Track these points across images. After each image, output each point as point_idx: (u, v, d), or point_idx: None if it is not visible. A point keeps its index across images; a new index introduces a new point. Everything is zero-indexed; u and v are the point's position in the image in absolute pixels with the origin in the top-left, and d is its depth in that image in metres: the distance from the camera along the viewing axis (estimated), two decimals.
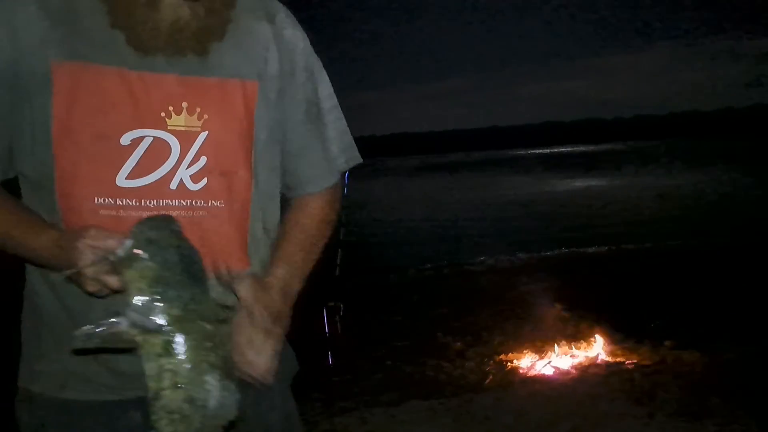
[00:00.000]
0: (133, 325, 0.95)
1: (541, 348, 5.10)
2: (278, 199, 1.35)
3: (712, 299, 6.20)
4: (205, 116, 1.19)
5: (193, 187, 1.19)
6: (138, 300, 0.94)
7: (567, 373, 4.71)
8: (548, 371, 4.76)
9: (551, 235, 12.55)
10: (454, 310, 6.62)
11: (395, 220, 17.29)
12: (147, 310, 0.95)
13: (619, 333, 5.37)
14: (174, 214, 1.16)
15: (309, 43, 1.37)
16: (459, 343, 5.48)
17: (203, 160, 1.19)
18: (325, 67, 1.43)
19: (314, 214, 1.39)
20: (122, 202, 1.15)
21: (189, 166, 1.19)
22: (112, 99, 1.13)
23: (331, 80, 1.43)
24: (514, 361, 5.00)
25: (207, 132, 1.19)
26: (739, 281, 6.76)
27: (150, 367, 0.95)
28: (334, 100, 1.42)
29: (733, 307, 5.88)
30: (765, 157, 29.65)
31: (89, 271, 1.01)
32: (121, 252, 0.96)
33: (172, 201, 1.18)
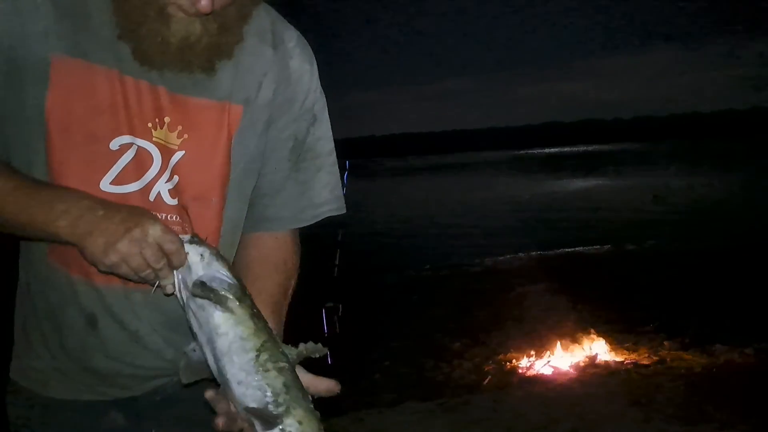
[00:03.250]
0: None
1: (539, 349, 5.11)
2: (241, 229, 1.30)
3: (712, 300, 6.21)
4: (185, 136, 1.17)
5: (170, 201, 1.18)
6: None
7: (565, 373, 4.71)
8: (546, 372, 4.77)
9: (550, 235, 12.56)
10: (453, 310, 6.62)
11: (394, 220, 17.29)
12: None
13: (618, 334, 5.39)
14: None
15: (317, 80, 1.32)
16: (457, 344, 5.48)
17: (176, 179, 1.17)
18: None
19: (289, 255, 1.34)
20: None
21: (167, 180, 1.17)
22: (108, 101, 1.11)
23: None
24: (513, 361, 5.00)
25: (184, 152, 1.17)
26: (739, 282, 6.77)
27: (247, 326, 0.99)
28: (332, 145, 1.36)
29: (732, 309, 5.89)
30: (765, 159, 29.67)
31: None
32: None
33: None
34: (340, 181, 1.37)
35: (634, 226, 13.17)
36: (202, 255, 1.00)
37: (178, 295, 1.04)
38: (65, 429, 1.25)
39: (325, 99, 1.33)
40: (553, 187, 25.83)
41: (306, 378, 1.11)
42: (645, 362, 4.79)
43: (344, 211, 1.36)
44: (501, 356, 5.13)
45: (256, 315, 1.01)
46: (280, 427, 0.97)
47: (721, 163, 31.37)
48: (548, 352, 5.02)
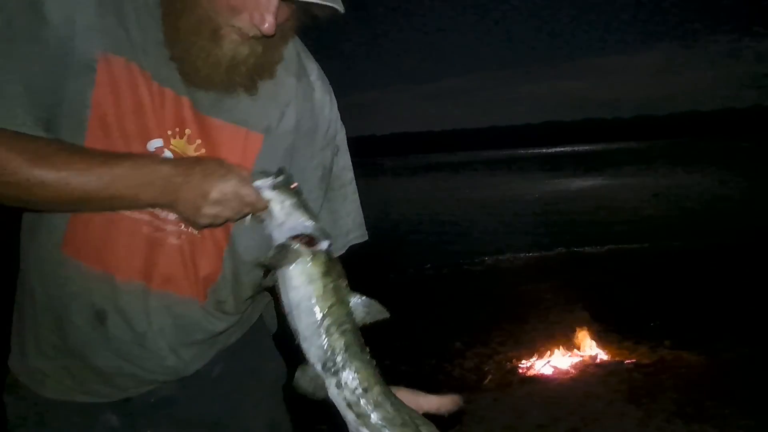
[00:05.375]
0: (306, 243, 1.07)
1: (540, 348, 5.11)
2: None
3: (711, 299, 6.20)
4: (202, 151, 1.19)
5: None
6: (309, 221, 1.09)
7: (566, 372, 4.71)
8: (547, 371, 4.76)
9: (551, 235, 12.55)
10: (454, 310, 6.62)
11: (394, 220, 17.28)
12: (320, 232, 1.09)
13: (618, 333, 5.38)
14: (171, 228, 1.18)
15: (337, 111, 1.37)
16: (457, 344, 5.48)
17: None
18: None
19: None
20: None
21: None
22: (140, 103, 1.13)
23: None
24: (513, 361, 5.00)
25: None
26: (738, 281, 6.76)
27: (317, 287, 1.07)
28: (352, 173, 1.41)
29: (732, 308, 5.88)
30: (765, 158, 29.66)
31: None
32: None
33: (173, 215, 1.18)
34: (361, 209, 1.42)
35: (634, 225, 13.16)
36: (282, 203, 1.08)
37: (265, 231, 1.11)
38: (60, 428, 1.25)
39: (344, 130, 1.38)
40: (553, 187, 25.81)
41: (429, 400, 1.18)
42: (645, 361, 4.79)
43: (367, 238, 1.42)
44: (501, 356, 5.13)
45: (327, 273, 1.08)
46: (338, 378, 1.08)
47: (721, 162, 31.34)
48: (548, 352, 5.02)
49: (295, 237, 1.07)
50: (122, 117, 1.11)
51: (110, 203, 1.10)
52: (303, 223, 1.08)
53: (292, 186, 1.11)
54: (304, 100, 1.29)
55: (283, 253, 1.06)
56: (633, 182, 25.01)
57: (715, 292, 6.43)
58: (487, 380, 4.68)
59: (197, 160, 1.11)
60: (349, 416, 1.10)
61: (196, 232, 1.20)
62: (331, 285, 1.08)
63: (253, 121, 1.22)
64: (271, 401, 1.44)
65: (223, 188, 1.07)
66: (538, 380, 4.63)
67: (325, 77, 1.36)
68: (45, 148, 1.06)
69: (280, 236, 1.08)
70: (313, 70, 1.34)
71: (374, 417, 1.08)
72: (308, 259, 1.06)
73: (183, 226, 1.20)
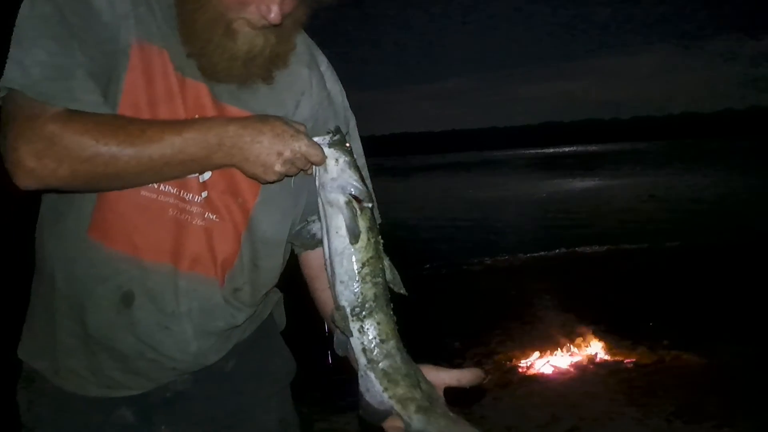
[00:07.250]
0: (356, 198, 1.16)
1: (539, 347, 5.11)
2: (283, 245, 1.34)
3: (710, 299, 6.21)
4: None
5: (201, 192, 1.22)
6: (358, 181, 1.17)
7: (565, 372, 4.72)
8: (547, 371, 4.77)
9: (550, 235, 12.56)
10: (453, 310, 6.62)
11: (393, 220, 17.29)
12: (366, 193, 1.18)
13: (618, 332, 5.39)
14: (195, 210, 1.20)
15: (347, 100, 1.42)
16: (457, 343, 5.48)
17: (207, 174, 1.21)
18: None
19: None
20: (164, 189, 1.17)
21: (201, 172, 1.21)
22: (169, 90, 1.16)
23: None
24: (513, 360, 5.00)
25: None
26: (738, 282, 6.77)
27: (362, 239, 1.16)
28: (364, 159, 1.43)
29: (731, 308, 5.89)
30: (763, 158, 29.71)
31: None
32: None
33: (197, 197, 1.20)
34: (373, 194, 1.44)
35: (634, 225, 13.17)
36: (337, 160, 1.16)
37: (317, 181, 1.18)
38: (75, 424, 1.25)
39: (355, 118, 1.43)
40: (552, 187, 25.83)
41: (451, 373, 1.26)
42: (644, 361, 4.80)
43: (380, 221, 1.40)
44: (501, 355, 5.13)
45: (371, 228, 1.17)
46: (362, 324, 1.19)
47: (719, 163, 31.37)
48: (548, 351, 5.03)
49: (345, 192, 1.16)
50: (154, 102, 1.14)
51: (183, 168, 1.13)
52: (353, 182, 1.16)
53: (346, 145, 1.18)
54: (319, 90, 1.34)
55: (334, 204, 1.14)
56: (631, 183, 25.03)
57: (714, 292, 6.44)
58: (487, 380, 4.68)
59: (262, 119, 1.14)
60: (362, 360, 1.21)
61: (213, 217, 1.22)
62: (373, 240, 1.17)
63: (270, 110, 1.24)
64: (281, 397, 1.45)
65: (295, 148, 1.12)
66: (538, 380, 4.64)
67: (333, 69, 1.40)
68: (115, 122, 1.09)
69: (331, 189, 1.16)
70: (323, 61, 1.38)
71: (382, 365, 1.20)
72: (357, 212, 1.15)
73: (206, 209, 1.21)
